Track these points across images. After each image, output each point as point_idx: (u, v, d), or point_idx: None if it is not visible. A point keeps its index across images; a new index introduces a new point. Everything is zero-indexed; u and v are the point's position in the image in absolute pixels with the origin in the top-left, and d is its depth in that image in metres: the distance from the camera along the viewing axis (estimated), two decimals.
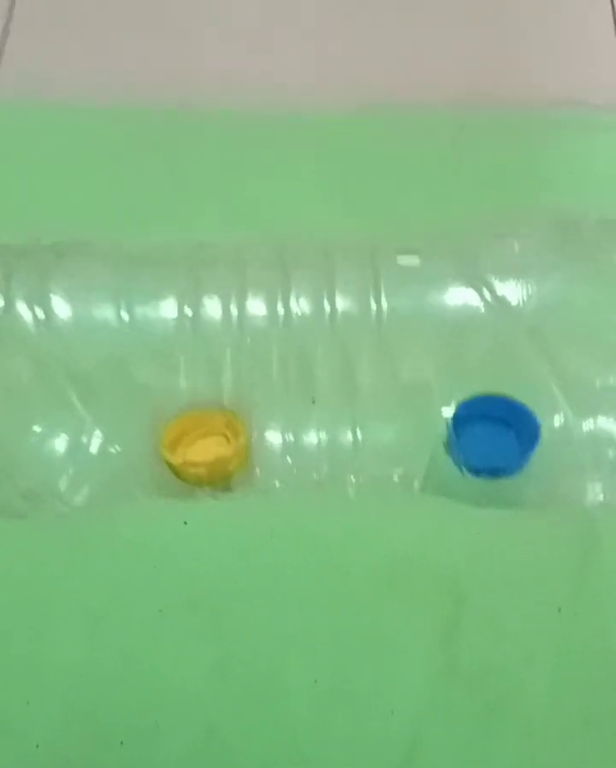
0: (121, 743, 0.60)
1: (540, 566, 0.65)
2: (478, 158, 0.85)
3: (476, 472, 0.69)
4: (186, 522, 0.65)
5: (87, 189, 0.82)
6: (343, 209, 0.81)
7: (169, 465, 0.71)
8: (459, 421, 0.70)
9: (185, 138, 0.85)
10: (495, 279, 0.72)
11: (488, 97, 0.89)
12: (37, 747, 0.60)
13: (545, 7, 0.97)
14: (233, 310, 0.73)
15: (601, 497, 0.69)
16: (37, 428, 0.71)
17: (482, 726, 0.60)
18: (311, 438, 0.72)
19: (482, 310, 0.72)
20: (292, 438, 0.72)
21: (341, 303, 0.73)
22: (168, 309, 0.73)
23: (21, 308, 0.72)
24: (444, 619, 0.63)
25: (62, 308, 0.72)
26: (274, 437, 0.72)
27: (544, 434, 0.69)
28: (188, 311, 0.72)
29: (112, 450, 0.71)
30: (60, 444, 0.71)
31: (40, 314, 0.72)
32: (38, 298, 0.72)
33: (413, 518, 0.67)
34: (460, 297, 0.72)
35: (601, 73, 0.92)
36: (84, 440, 0.71)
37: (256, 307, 0.73)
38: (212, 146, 0.85)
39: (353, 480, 0.71)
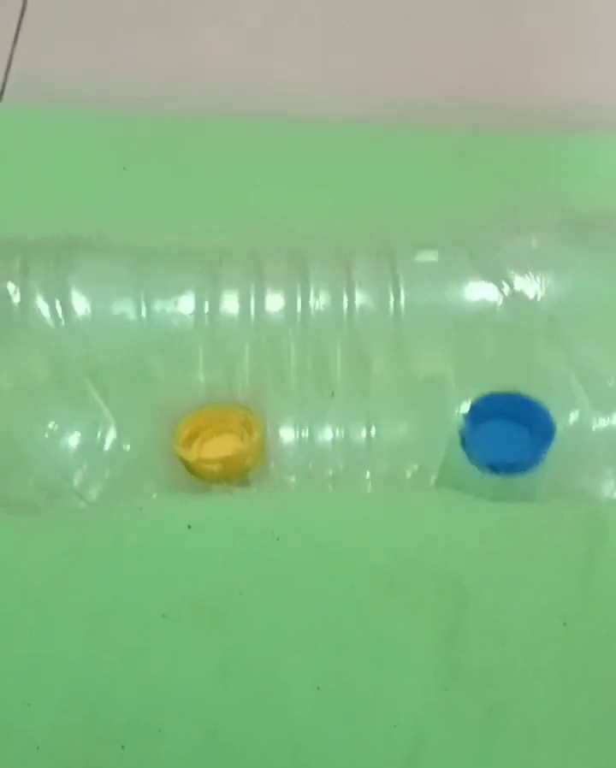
0: (123, 746, 0.59)
1: (545, 567, 0.64)
2: (490, 164, 0.83)
3: (492, 468, 0.67)
4: (190, 526, 0.65)
5: (96, 193, 0.82)
6: (354, 212, 0.80)
7: (184, 462, 0.70)
8: (474, 417, 0.69)
9: (194, 143, 0.84)
10: (513, 274, 0.71)
11: (499, 102, 0.87)
12: (37, 748, 0.59)
13: (558, 12, 0.95)
14: (251, 306, 0.72)
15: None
16: (52, 424, 0.71)
17: (484, 730, 0.59)
18: (327, 434, 0.71)
19: (500, 305, 0.71)
20: (307, 434, 0.71)
21: (359, 298, 0.72)
22: (185, 304, 0.72)
23: (39, 302, 0.72)
24: (446, 621, 0.62)
25: (79, 302, 0.72)
26: (289, 433, 0.71)
27: (560, 430, 0.67)
28: (206, 307, 0.72)
29: (126, 446, 0.71)
30: (75, 440, 0.71)
31: (58, 308, 0.72)
32: (56, 292, 0.72)
33: (418, 518, 0.66)
34: (478, 292, 0.71)
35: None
36: (99, 436, 0.71)
37: (273, 302, 0.72)
38: (221, 151, 0.84)
39: (369, 476, 0.70)
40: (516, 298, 0.70)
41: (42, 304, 0.72)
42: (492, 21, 0.94)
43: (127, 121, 0.85)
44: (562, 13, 0.94)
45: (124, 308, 0.73)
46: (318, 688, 0.61)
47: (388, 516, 0.66)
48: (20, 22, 0.94)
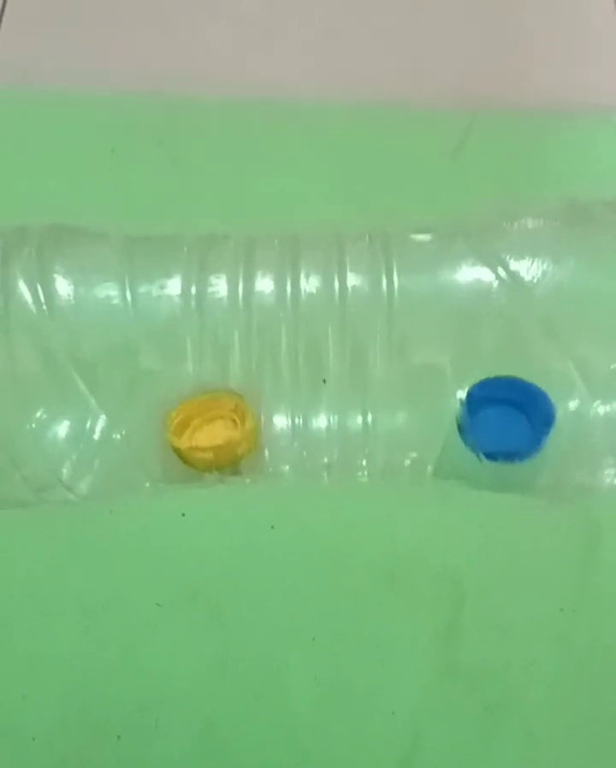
0: (119, 737, 0.59)
1: (542, 561, 0.63)
2: (487, 152, 0.83)
3: (490, 456, 0.67)
4: (183, 514, 0.64)
5: (86, 180, 0.81)
6: (350, 200, 0.80)
7: (176, 450, 0.69)
8: (472, 404, 0.68)
9: (186, 129, 0.84)
10: (509, 259, 0.70)
11: (496, 92, 0.87)
12: (33, 740, 0.59)
13: (556, 4, 0.94)
14: (240, 291, 0.71)
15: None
16: (40, 415, 0.70)
17: (482, 725, 0.59)
18: (322, 422, 0.70)
19: (496, 291, 0.70)
20: (301, 422, 0.70)
21: (352, 283, 0.71)
22: (173, 290, 0.71)
23: (22, 289, 0.70)
24: (445, 616, 0.61)
25: (63, 289, 0.71)
26: (283, 421, 0.70)
27: (559, 417, 0.67)
28: (194, 292, 0.71)
29: (117, 435, 0.70)
30: (64, 430, 0.70)
31: (41, 296, 0.70)
32: (39, 280, 0.71)
33: (415, 511, 0.65)
34: (474, 277, 0.71)
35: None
36: (88, 425, 0.70)
37: (263, 287, 0.71)
38: (214, 137, 0.84)
39: (365, 464, 0.69)
40: (513, 283, 0.69)
41: (24, 291, 0.71)
42: (490, 8, 0.94)
43: (117, 105, 0.84)
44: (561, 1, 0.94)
45: (109, 294, 0.71)
46: (316, 681, 0.60)
47: (385, 507, 0.66)
48: (4, 4, 0.92)
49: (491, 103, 0.86)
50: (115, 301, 0.71)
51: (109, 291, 0.71)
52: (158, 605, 0.62)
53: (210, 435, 0.70)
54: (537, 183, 0.80)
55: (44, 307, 0.71)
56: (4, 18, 0.91)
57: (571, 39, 0.92)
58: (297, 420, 0.70)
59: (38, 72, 0.88)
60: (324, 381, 0.71)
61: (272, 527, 0.64)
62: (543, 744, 0.59)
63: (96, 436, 0.70)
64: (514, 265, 0.70)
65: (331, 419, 0.70)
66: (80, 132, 0.84)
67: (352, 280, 0.71)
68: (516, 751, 0.59)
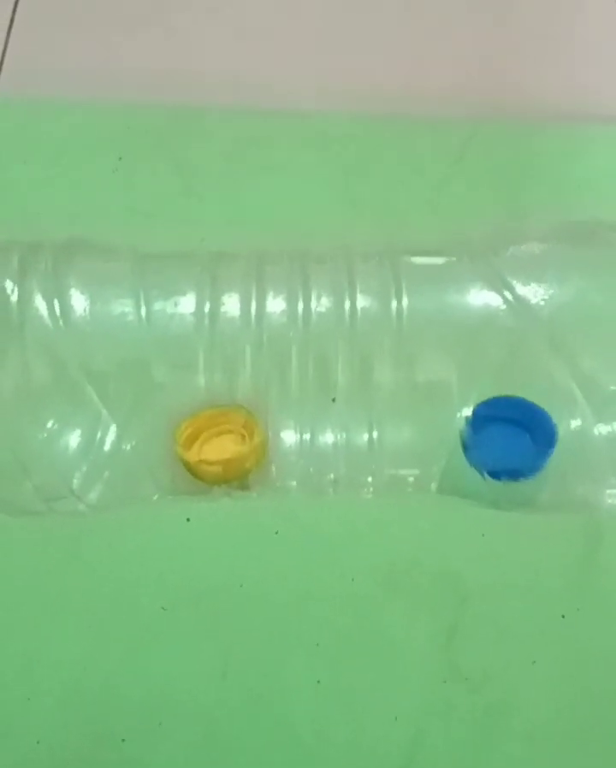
0: (123, 740, 0.59)
1: (543, 569, 0.64)
2: (489, 160, 0.84)
3: (493, 474, 0.67)
4: (188, 519, 0.65)
5: (94, 187, 0.82)
6: (355, 208, 0.80)
7: (185, 463, 0.70)
8: (476, 422, 0.69)
9: (193, 137, 0.84)
10: (515, 281, 0.71)
11: (499, 101, 0.88)
12: (37, 743, 0.59)
13: (555, 6, 0.96)
14: (252, 308, 0.72)
15: None
16: (51, 425, 0.71)
17: (483, 729, 0.59)
18: (328, 438, 0.71)
19: (502, 311, 0.71)
20: (308, 437, 0.71)
21: (361, 302, 0.72)
22: (185, 306, 0.72)
23: (38, 303, 0.71)
24: (446, 620, 0.62)
25: (78, 303, 0.72)
26: (290, 436, 0.71)
27: (561, 436, 0.68)
28: (206, 309, 0.72)
29: (127, 447, 0.71)
30: (74, 441, 0.71)
31: (56, 309, 0.71)
32: (55, 294, 0.72)
33: (418, 519, 0.66)
34: (480, 298, 0.72)
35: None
36: (99, 437, 0.71)
37: (275, 305, 0.72)
38: (219, 145, 0.84)
39: (370, 480, 0.70)
40: (518, 304, 0.71)
41: (40, 304, 0.72)
42: (492, 18, 0.95)
43: (124, 113, 0.85)
44: (559, 6, 0.95)
45: (123, 309, 0.73)
46: (319, 685, 0.60)
47: (388, 513, 0.66)
48: (14, 13, 0.93)
49: (493, 111, 0.87)
50: (129, 316, 0.72)
51: (122, 306, 0.72)
52: (163, 608, 0.62)
53: (219, 449, 0.71)
54: (540, 192, 0.81)
55: (59, 320, 0.72)
56: (13, 29, 0.92)
57: (574, 49, 0.93)
58: (304, 435, 0.71)
59: (44, 81, 0.89)
60: (333, 400, 0.72)
61: (276, 532, 0.64)
62: (543, 746, 0.59)
63: (106, 448, 0.71)
64: (520, 287, 0.71)
65: (338, 435, 0.71)
66: (88, 139, 0.84)
67: (362, 300, 0.72)
68: (516, 753, 0.59)
